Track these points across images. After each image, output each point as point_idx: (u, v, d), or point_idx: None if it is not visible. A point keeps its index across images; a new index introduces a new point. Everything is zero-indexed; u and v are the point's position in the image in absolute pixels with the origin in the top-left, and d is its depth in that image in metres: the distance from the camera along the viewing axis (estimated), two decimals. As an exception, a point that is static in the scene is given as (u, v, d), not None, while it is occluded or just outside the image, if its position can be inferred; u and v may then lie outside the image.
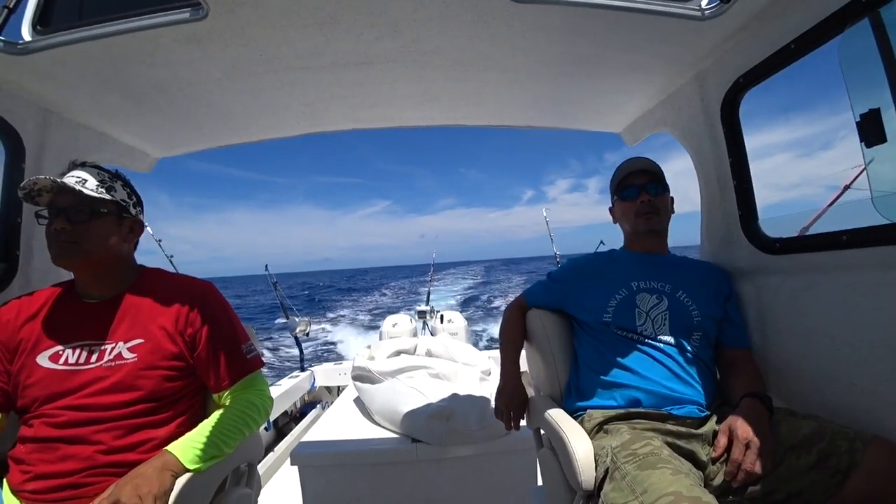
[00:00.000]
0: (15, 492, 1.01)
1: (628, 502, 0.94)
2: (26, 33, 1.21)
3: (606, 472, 1.06)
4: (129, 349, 1.10)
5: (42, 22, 1.22)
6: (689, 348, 1.32)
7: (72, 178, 1.10)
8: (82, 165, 1.17)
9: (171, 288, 1.21)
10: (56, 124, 1.46)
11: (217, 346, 1.17)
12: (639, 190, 1.44)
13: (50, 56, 1.21)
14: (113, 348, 1.09)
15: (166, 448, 1.03)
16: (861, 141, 1.04)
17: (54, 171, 1.34)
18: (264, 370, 1.29)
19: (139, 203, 1.24)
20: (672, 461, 1.02)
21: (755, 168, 1.45)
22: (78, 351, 1.09)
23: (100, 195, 1.12)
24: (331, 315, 22.91)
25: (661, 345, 1.31)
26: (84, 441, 1.02)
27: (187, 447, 1.04)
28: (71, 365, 1.07)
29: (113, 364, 1.08)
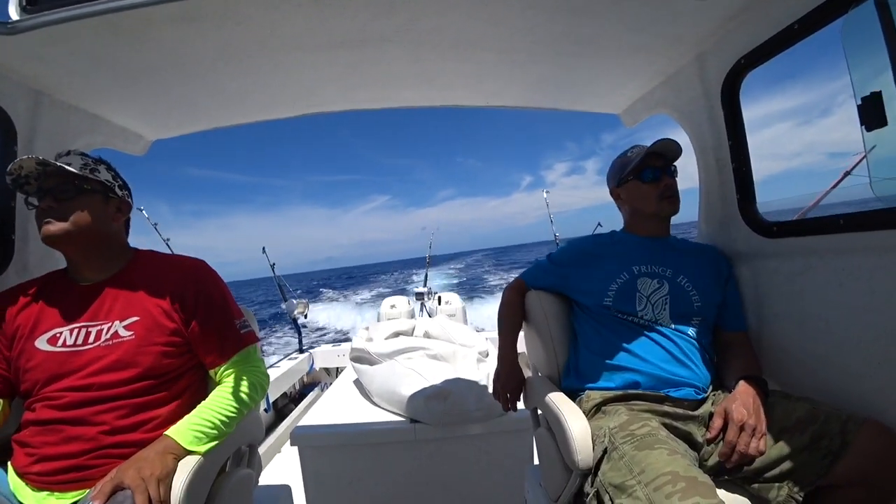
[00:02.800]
0: (21, 475, 1.02)
1: (626, 481, 0.96)
2: (13, 12, 1.18)
3: (604, 451, 1.08)
4: (126, 327, 1.11)
5: (30, 0, 1.19)
6: (688, 332, 1.33)
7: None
8: (66, 154, 1.18)
9: (163, 267, 1.23)
10: (47, 106, 1.43)
11: (211, 321, 1.19)
12: (660, 172, 1.42)
13: (39, 36, 1.18)
14: (110, 327, 1.11)
15: (166, 433, 1.04)
16: (862, 124, 1.04)
17: (46, 153, 1.32)
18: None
19: (125, 187, 1.25)
20: (669, 442, 1.04)
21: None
22: (76, 332, 1.10)
23: (83, 173, 1.13)
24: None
25: (661, 328, 1.32)
26: (87, 422, 1.03)
27: (187, 430, 1.05)
28: (69, 346, 1.08)
29: (111, 343, 1.09)
